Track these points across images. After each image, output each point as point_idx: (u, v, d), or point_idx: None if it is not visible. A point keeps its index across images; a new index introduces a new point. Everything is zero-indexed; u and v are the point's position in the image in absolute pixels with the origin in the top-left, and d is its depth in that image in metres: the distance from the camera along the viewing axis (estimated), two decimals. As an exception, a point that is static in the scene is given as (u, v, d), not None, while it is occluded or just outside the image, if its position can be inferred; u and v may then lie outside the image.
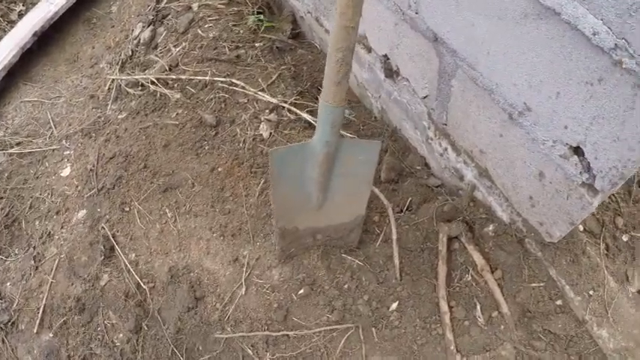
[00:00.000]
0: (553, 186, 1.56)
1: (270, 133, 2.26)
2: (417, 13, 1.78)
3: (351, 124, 2.38)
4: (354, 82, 2.52)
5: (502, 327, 1.73)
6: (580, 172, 1.43)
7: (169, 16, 2.97)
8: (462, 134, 1.87)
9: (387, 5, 1.92)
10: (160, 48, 2.83)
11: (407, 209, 2.03)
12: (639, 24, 1.08)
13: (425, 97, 1.97)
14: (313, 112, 2.32)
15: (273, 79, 2.50)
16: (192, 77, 2.53)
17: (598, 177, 1.38)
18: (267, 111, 2.34)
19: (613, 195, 1.96)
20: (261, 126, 2.29)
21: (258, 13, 2.85)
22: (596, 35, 1.19)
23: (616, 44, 1.15)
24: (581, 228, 1.85)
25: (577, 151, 1.42)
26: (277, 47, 2.69)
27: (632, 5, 1.07)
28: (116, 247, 2.14)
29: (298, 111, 2.33)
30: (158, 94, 2.57)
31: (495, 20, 1.47)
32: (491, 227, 1.88)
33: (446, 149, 2.00)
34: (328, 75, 1.33)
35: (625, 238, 1.90)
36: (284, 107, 2.35)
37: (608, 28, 1.15)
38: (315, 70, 2.64)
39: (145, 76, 2.64)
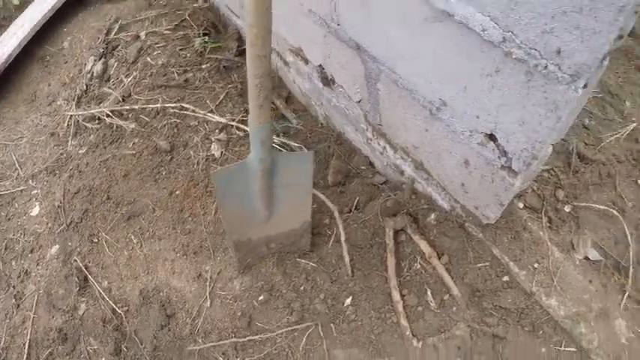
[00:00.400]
0: (478, 172, 1.64)
1: (222, 152, 2.33)
2: (339, 25, 1.87)
3: (299, 132, 2.45)
4: (299, 92, 2.59)
5: (454, 308, 1.79)
6: (498, 157, 1.52)
7: (119, 47, 3.03)
8: (395, 132, 1.96)
9: (314, 19, 2.01)
10: (112, 80, 2.88)
11: (355, 208, 2.10)
12: (521, 17, 1.18)
13: (359, 102, 2.06)
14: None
15: (221, 98, 2.56)
16: (144, 106, 2.58)
17: (514, 159, 1.47)
18: (217, 131, 2.41)
19: (552, 169, 2.00)
20: (213, 146, 2.36)
21: (204, 34, 2.92)
22: (485, 31, 1.29)
23: (504, 37, 1.25)
24: (521, 205, 1.89)
25: (492, 137, 1.50)
26: (224, 66, 2.75)
27: (511, 0, 1.17)
28: (89, 277, 2.19)
29: (246, 127, 2.38)
30: (114, 126, 2.63)
31: (402, 26, 1.57)
32: (433, 216, 1.95)
33: (384, 147, 2.09)
34: (251, 99, 1.41)
35: (567, 209, 1.92)
36: (232, 125, 2.42)
37: (495, 23, 1.25)
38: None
39: (100, 110, 2.70)
